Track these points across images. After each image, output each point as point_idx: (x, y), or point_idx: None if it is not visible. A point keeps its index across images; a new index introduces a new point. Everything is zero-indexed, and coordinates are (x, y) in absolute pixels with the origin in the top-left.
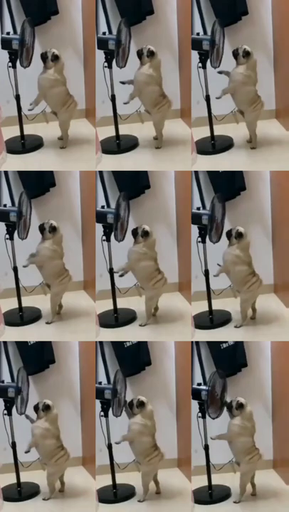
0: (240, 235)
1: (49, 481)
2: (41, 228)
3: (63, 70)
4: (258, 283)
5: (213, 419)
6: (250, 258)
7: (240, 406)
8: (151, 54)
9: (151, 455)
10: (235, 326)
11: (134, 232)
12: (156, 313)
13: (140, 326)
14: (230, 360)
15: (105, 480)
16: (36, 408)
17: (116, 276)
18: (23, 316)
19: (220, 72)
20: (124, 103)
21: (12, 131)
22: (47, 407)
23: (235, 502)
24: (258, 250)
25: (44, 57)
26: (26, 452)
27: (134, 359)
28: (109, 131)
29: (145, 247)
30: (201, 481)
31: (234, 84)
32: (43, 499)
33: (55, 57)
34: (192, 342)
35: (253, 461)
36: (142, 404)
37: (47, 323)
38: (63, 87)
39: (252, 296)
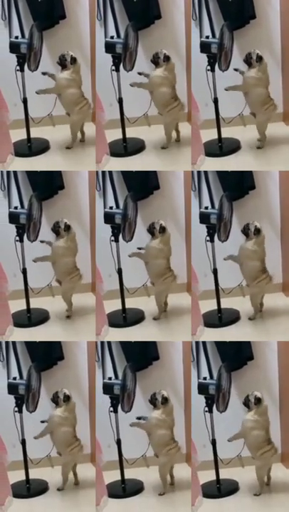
0: (258, 231)
1: (63, 471)
2: (56, 227)
3: (80, 72)
4: (267, 279)
5: (221, 412)
6: (264, 253)
7: (259, 401)
8: (167, 59)
9: (169, 446)
10: (249, 319)
11: (151, 227)
12: (166, 308)
13: (154, 319)
14: (237, 353)
15: (114, 475)
16: (55, 398)
17: (124, 275)
18: (31, 318)
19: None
20: (131, 85)
21: (19, 135)
22: (67, 398)
23: (255, 495)
24: (266, 249)
25: (62, 60)
26: (36, 438)
27: (142, 354)
28: (116, 134)
29: (162, 243)
30: (209, 476)
31: (246, 86)
32: (58, 489)
33: (74, 61)
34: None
35: (266, 456)
36: (166, 401)
37: (67, 317)
38: (79, 89)
39: (259, 291)
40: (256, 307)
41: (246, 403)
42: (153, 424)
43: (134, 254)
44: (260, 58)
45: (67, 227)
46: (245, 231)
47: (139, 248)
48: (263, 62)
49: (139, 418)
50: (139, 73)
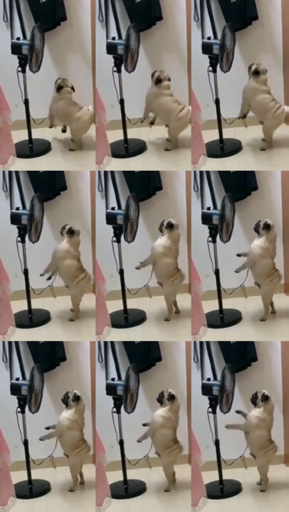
0: (267, 227)
1: (72, 472)
2: (61, 232)
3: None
4: (279, 277)
5: (225, 413)
6: (275, 251)
7: (266, 398)
8: (170, 226)
9: (171, 447)
10: (261, 319)
11: (160, 226)
12: (178, 309)
13: (165, 320)
14: (241, 354)
15: (116, 476)
16: (66, 398)
17: (126, 276)
18: (32, 318)
19: (238, 412)
20: (137, 268)
21: (20, 135)
22: (77, 398)
23: (262, 491)
24: None
25: (65, 398)
26: (41, 439)
27: (145, 355)
28: (117, 135)
29: (170, 240)
30: (212, 476)
31: None
32: (69, 490)
33: (77, 399)
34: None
35: (268, 455)
36: (172, 398)
37: (70, 320)
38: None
39: (272, 289)
40: (267, 307)
41: (253, 400)
42: (158, 424)
43: (141, 265)
44: (267, 226)
45: (71, 232)
46: (256, 228)
47: (141, 263)
48: (271, 231)
49: (145, 425)
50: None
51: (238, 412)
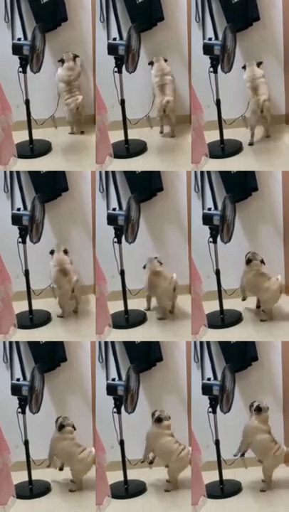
0: (258, 410)
1: (76, 478)
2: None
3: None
4: (280, 448)
5: (225, 413)
6: (269, 427)
7: (258, 410)
8: (259, 410)
9: (177, 451)
10: (261, 320)
11: (250, 407)
12: (173, 310)
13: (159, 319)
14: (241, 354)
15: (117, 476)
16: (56, 422)
17: (127, 276)
18: (33, 319)
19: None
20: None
21: (21, 136)
22: (61, 426)
23: (262, 490)
24: (269, 251)
25: None
26: (48, 466)
27: (146, 355)
28: (118, 136)
29: (256, 421)
30: (213, 476)
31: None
32: (69, 490)
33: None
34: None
35: (277, 455)
36: (160, 420)
37: (74, 312)
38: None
39: (278, 462)
40: (270, 479)
41: (250, 408)
42: (150, 440)
43: (239, 451)
44: (258, 409)
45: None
46: (250, 408)
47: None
48: (261, 414)
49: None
50: None
51: (236, 455)
